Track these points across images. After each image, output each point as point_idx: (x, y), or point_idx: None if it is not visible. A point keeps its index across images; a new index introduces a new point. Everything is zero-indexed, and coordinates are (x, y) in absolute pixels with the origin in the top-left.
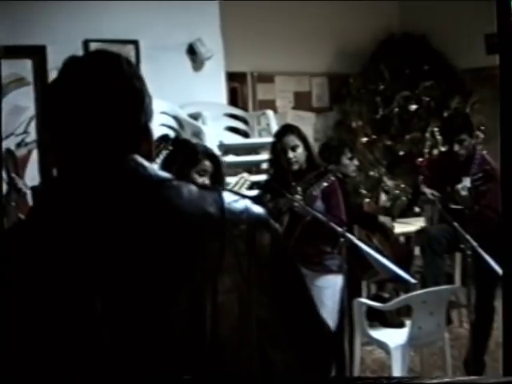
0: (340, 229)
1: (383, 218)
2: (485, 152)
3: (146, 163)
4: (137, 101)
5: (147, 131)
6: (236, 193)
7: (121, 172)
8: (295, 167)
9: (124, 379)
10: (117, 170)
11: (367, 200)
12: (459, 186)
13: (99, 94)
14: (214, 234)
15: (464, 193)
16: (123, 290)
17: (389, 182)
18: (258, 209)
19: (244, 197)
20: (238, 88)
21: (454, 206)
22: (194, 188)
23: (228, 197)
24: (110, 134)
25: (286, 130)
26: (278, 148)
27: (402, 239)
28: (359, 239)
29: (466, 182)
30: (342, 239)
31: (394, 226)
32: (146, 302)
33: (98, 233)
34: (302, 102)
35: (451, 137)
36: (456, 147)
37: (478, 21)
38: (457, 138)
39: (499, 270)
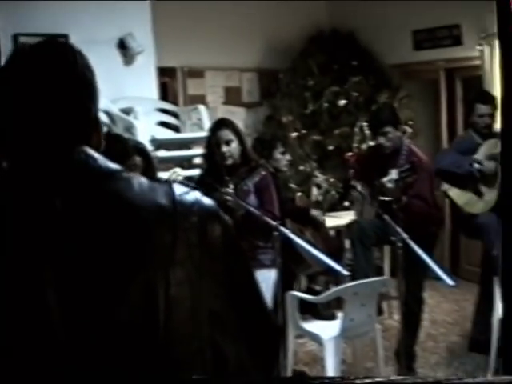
0: (273, 223)
1: (315, 212)
2: (412, 145)
3: (96, 155)
4: (88, 92)
5: (97, 123)
6: (186, 185)
7: (71, 164)
8: (229, 162)
9: (77, 372)
10: (67, 162)
11: (299, 194)
12: (386, 179)
13: (49, 83)
14: (165, 226)
15: (390, 185)
16: (75, 283)
17: (319, 177)
18: (208, 201)
19: (194, 189)
20: (168, 83)
21: (383, 199)
22: (144, 180)
23: (179, 189)
24: (61, 125)
25: (221, 124)
26: (213, 142)
27: (332, 233)
28: (292, 233)
29: (393, 174)
30: (275, 233)
31: (325, 219)
32: (99, 295)
33: (49, 225)
34: (232, 97)
35: (376, 129)
36: (381, 139)
37: (405, 17)
38: (381, 130)
39: (429, 262)
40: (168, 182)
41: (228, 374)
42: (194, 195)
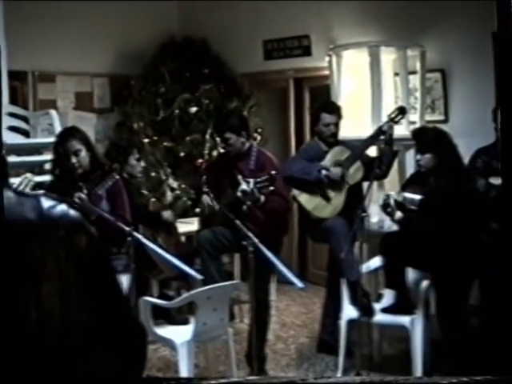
0: (126, 228)
1: (166, 213)
2: (262, 149)
3: None
4: None
5: None
6: (53, 197)
7: None
8: (79, 171)
9: None
10: None
11: (152, 200)
12: (240, 190)
13: None
14: (34, 241)
15: (245, 190)
16: None
17: (172, 183)
18: (74, 213)
19: (61, 201)
20: (18, 87)
21: (235, 204)
22: (11, 194)
23: (46, 203)
24: None
25: (68, 135)
26: (61, 153)
27: (184, 238)
28: (145, 238)
29: (249, 180)
30: (128, 238)
31: (176, 220)
32: None
33: None
34: (83, 102)
35: (218, 135)
36: (223, 145)
37: (256, 26)
38: (222, 136)
39: (279, 265)
40: (36, 196)
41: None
42: (61, 208)
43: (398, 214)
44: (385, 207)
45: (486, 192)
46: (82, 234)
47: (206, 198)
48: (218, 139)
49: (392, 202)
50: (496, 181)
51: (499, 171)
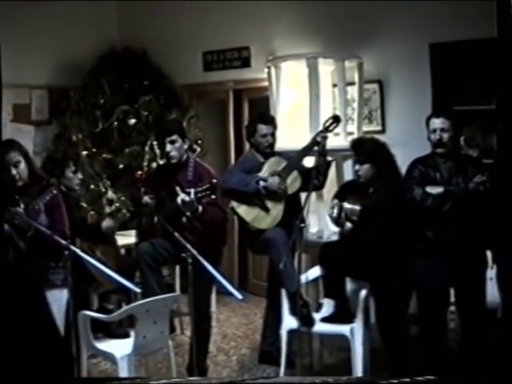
0: (64, 242)
1: (106, 222)
2: (198, 159)
3: None
4: None
5: None
6: None
7: None
8: (19, 183)
9: None
10: None
11: (91, 213)
12: (179, 199)
13: None
14: None
15: (185, 200)
16: None
17: (111, 195)
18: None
19: None
20: None
21: (174, 216)
22: None
23: None
24: None
25: (8, 146)
26: (0, 165)
27: (123, 251)
28: (83, 251)
29: (189, 191)
30: (66, 252)
31: (116, 232)
32: None
33: None
34: (21, 114)
35: (163, 138)
36: (168, 147)
37: (195, 38)
38: (168, 138)
39: (218, 277)
40: None
41: None
42: None
43: (348, 225)
44: (338, 217)
45: (422, 201)
46: (9, 249)
47: (145, 210)
48: (157, 150)
49: (339, 210)
50: (432, 190)
51: (435, 181)
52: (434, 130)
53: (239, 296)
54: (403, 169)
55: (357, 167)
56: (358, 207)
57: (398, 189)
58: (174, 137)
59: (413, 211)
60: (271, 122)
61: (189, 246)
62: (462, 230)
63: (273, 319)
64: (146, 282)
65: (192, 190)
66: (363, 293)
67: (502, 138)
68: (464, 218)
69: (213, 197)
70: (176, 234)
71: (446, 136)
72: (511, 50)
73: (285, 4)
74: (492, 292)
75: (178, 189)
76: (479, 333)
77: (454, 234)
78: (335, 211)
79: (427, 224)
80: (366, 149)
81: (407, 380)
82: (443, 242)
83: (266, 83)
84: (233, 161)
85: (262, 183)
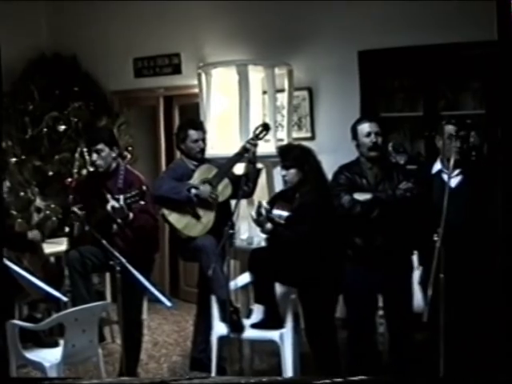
0: None
1: (32, 233)
2: (129, 166)
3: None
4: None
5: None
6: None
7: None
8: None
9: None
10: None
11: (19, 220)
12: (109, 206)
13: None
14: None
15: (115, 206)
16: None
17: (40, 203)
18: None
19: None
20: None
21: (105, 223)
22: None
23: None
24: None
25: None
26: None
27: (52, 259)
28: (9, 261)
29: (118, 197)
30: None
31: (44, 240)
32: None
33: None
34: None
35: (90, 146)
36: (94, 157)
37: (126, 44)
38: (94, 147)
39: (147, 284)
40: None
41: None
42: None
43: (268, 226)
44: (257, 216)
45: (351, 208)
46: None
47: (74, 218)
48: (87, 157)
49: (264, 212)
50: (360, 197)
51: (362, 187)
52: (369, 134)
53: (168, 303)
54: (331, 175)
55: (283, 173)
56: (285, 213)
57: (323, 194)
58: (100, 146)
59: (340, 217)
60: (201, 127)
61: (117, 254)
62: (388, 235)
63: (203, 326)
64: (76, 290)
65: (121, 196)
66: (292, 297)
67: (503, 141)
68: (391, 224)
69: (142, 202)
70: (104, 242)
71: (380, 139)
72: (511, 51)
73: (216, 11)
74: (418, 296)
75: (108, 196)
76: (407, 336)
77: (381, 239)
78: (254, 211)
79: (355, 230)
80: (292, 155)
81: (340, 380)
82: (370, 248)
83: (196, 90)
84: (163, 167)
85: (193, 191)
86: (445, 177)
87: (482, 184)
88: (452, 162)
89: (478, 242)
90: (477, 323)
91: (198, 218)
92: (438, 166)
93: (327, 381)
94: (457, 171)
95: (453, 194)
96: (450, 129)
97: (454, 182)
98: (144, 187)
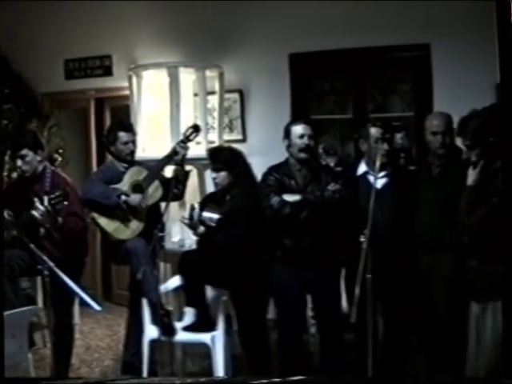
0: None
1: None
2: (56, 169)
3: None
4: None
5: None
6: None
7: None
8: None
9: None
10: None
11: None
12: (36, 205)
13: None
14: None
15: (38, 214)
16: None
17: None
18: None
19: None
20: None
21: (33, 227)
22: None
23: None
24: None
25: None
26: None
27: None
28: None
29: (45, 201)
30: None
31: None
32: None
33: None
34: None
35: (14, 152)
36: (19, 162)
37: (57, 45)
38: (18, 153)
39: (75, 288)
40: None
41: None
42: None
43: (201, 229)
44: (189, 219)
45: (280, 209)
46: None
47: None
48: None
49: (195, 215)
50: (289, 198)
51: (291, 189)
52: (302, 136)
53: (97, 307)
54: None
55: (214, 175)
56: (216, 215)
57: (253, 196)
58: (24, 151)
59: (270, 219)
60: (131, 129)
61: (45, 258)
62: (317, 236)
63: (135, 329)
64: (5, 294)
65: (45, 198)
66: (223, 300)
67: (504, 144)
68: (319, 225)
69: (65, 203)
70: (32, 246)
71: (312, 142)
72: (511, 51)
73: (147, 13)
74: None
75: (35, 199)
76: (336, 336)
77: (310, 240)
78: (186, 214)
79: (284, 232)
80: (222, 157)
81: (278, 380)
82: (299, 249)
83: (127, 92)
84: (95, 170)
85: (123, 198)
86: (371, 178)
87: (406, 186)
88: (378, 164)
89: (403, 242)
90: (403, 323)
91: (127, 221)
92: (363, 168)
93: (264, 381)
94: (382, 173)
95: (379, 196)
96: (375, 131)
97: (379, 183)
98: (68, 188)
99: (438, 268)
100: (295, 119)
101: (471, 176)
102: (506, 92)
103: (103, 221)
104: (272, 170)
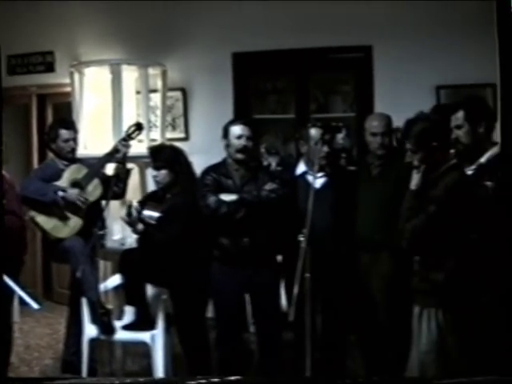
0: None
1: None
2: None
3: None
4: None
5: None
6: None
7: None
8: None
9: None
10: None
11: None
12: None
13: None
14: None
15: None
16: None
17: None
18: None
19: None
20: None
21: None
22: None
23: None
24: None
25: None
26: None
27: None
28: None
29: None
30: None
31: None
32: None
33: None
34: None
35: None
36: None
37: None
38: None
39: (13, 287)
40: None
41: None
42: None
43: (140, 226)
44: (128, 216)
45: (217, 208)
46: None
47: None
48: None
49: (134, 212)
50: (226, 197)
51: (229, 188)
52: (240, 136)
53: (35, 306)
54: None
55: (154, 173)
56: (156, 213)
57: (193, 195)
58: None
59: (207, 218)
60: (72, 126)
61: None
62: (254, 236)
63: (75, 328)
64: None
65: None
66: (163, 298)
67: (504, 145)
68: (257, 225)
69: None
70: None
71: (250, 143)
72: (511, 51)
73: (91, 10)
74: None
75: None
76: (275, 335)
77: (247, 240)
78: (125, 211)
79: (221, 231)
80: (163, 155)
81: (217, 380)
82: (237, 248)
83: (70, 88)
84: (36, 167)
85: (60, 193)
86: (310, 178)
87: (346, 185)
88: (317, 164)
89: (342, 242)
90: (342, 322)
91: (65, 219)
92: (302, 168)
93: (203, 381)
94: (321, 173)
95: (317, 196)
96: (315, 132)
97: (318, 183)
98: (6, 186)
99: (377, 268)
100: (234, 119)
101: (414, 180)
102: (506, 92)
103: (41, 219)
104: (210, 170)
